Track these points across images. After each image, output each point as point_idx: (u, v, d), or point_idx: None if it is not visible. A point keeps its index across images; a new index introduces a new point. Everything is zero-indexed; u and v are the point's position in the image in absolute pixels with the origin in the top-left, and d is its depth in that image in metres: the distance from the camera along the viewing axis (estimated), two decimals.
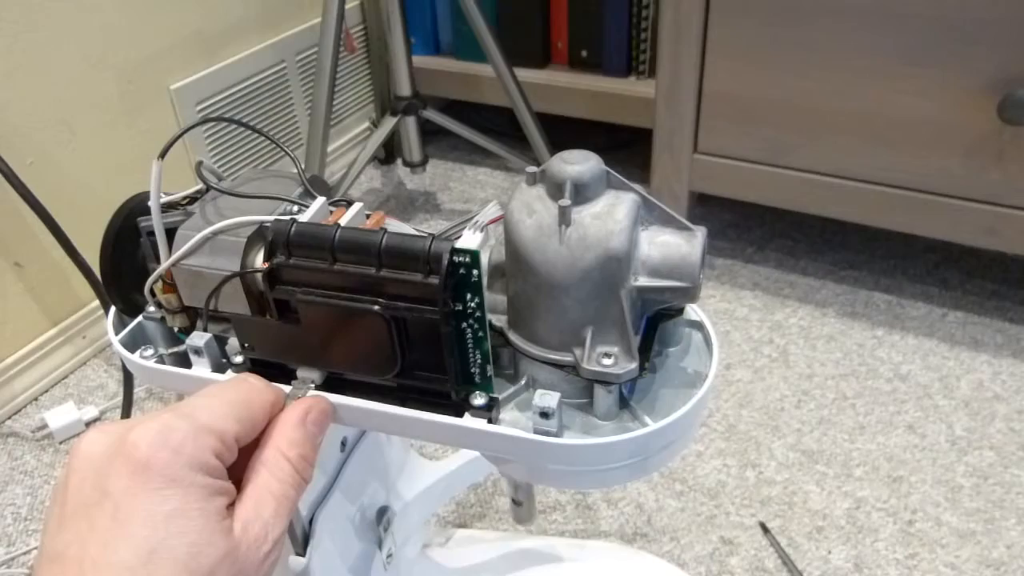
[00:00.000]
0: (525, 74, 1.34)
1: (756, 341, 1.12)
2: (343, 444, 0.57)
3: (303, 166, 1.23)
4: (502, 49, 1.23)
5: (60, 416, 1.02)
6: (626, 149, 1.54)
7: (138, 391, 1.07)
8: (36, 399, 1.09)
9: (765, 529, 0.87)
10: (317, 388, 0.43)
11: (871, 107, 1.01)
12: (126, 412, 0.99)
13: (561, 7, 1.38)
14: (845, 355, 1.09)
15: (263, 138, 1.35)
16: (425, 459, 0.70)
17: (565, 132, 1.40)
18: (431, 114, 1.33)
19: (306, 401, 0.40)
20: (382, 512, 0.63)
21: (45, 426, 1.01)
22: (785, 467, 0.94)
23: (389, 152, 1.59)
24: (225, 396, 0.37)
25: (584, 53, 1.40)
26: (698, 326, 0.46)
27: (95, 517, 0.32)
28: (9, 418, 1.06)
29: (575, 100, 1.39)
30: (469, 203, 1.47)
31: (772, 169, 1.11)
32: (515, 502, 0.58)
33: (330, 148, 1.50)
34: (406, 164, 1.42)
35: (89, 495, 0.32)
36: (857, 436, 0.97)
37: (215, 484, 0.34)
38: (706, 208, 1.39)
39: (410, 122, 1.35)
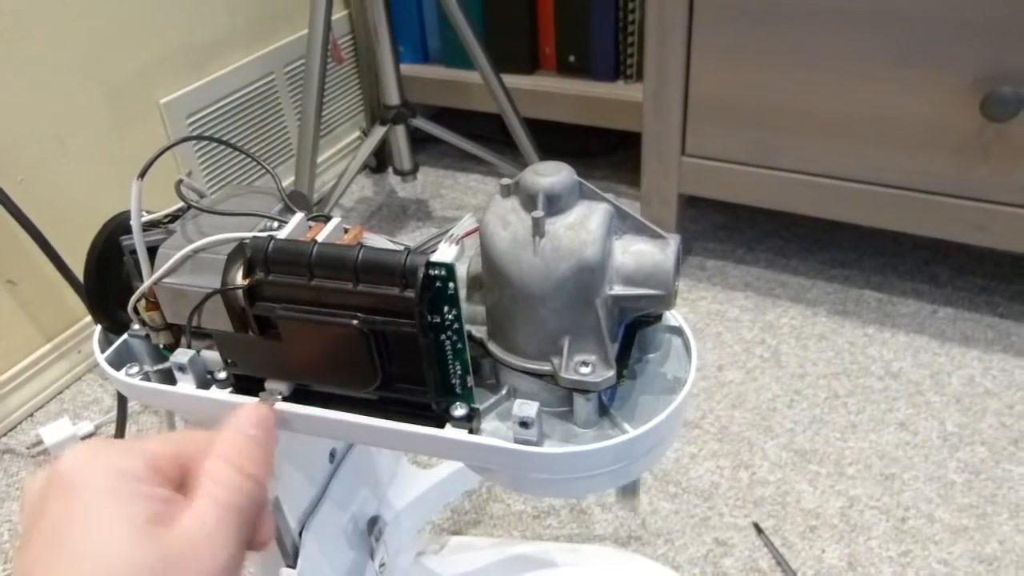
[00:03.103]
0: (513, 80, 1.35)
1: (748, 342, 1.13)
2: (332, 455, 0.57)
3: (293, 177, 1.24)
4: (489, 56, 1.24)
5: (55, 432, 1.02)
6: (615, 153, 1.54)
7: (133, 405, 1.07)
8: (31, 415, 1.09)
9: (759, 529, 0.88)
10: (285, 399, 0.44)
11: (857, 107, 1.02)
12: (120, 427, 0.99)
13: (548, 13, 1.38)
14: (836, 354, 1.10)
15: (251, 150, 1.36)
16: (416, 467, 0.71)
17: (554, 137, 1.41)
18: (420, 122, 1.33)
19: (240, 408, 0.40)
20: (373, 522, 0.63)
21: (40, 442, 1.01)
22: (778, 467, 0.94)
23: (380, 161, 1.59)
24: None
25: (572, 58, 1.40)
26: (677, 331, 0.46)
27: (38, 539, 0.32)
28: (4, 435, 1.06)
29: (563, 105, 1.40)
30: (461, 210, 1.48)
31: (760, 170, 1.12)
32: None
33: (321, 158, 1.50)
34: (397, 172, 1.43)
35: (33, 520, 0.33)
36: (849, 434, 0.98)
37: (145, 491, 0.33)
38: (696, 210, 1.40)
39: (400, 130, 1.35)
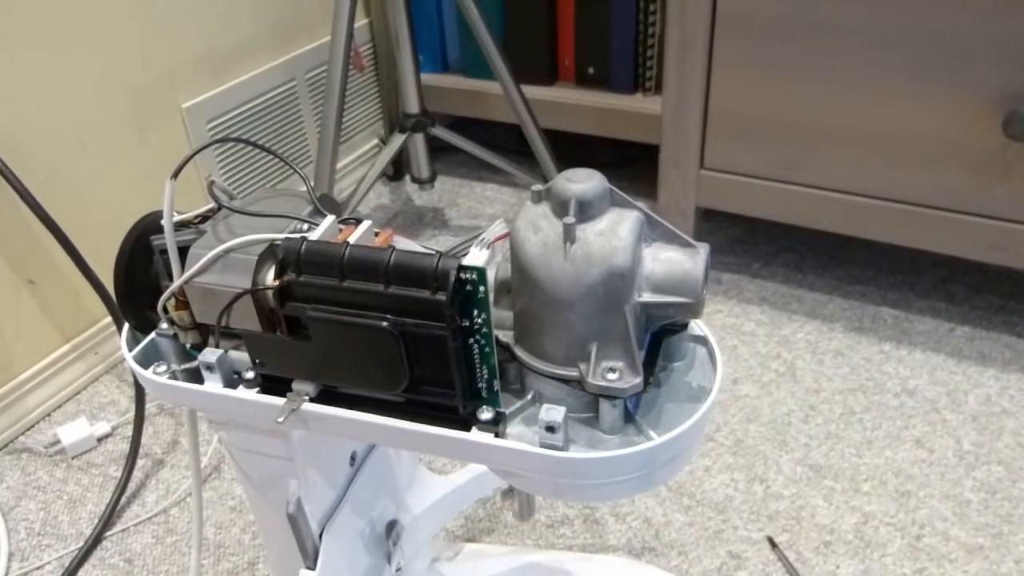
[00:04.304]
0: (532, 91, 1.35)
1: (763, 356, 1.13)
2: (352, 458, 0.58)
3: (312, 183, 1.25)
4: (509, 66, 1.24)
5: (73, 432, 1.03)
6: (633, 165, 1.55)
7: (150, 407, 1.08)
8: (49, 415, 1.10)
9: (773, 544, 0.87)
10: (312, 400, 0.44)
11: (877, 123, 1.02)
12: (137, 428, 1.00)
13: (568, 24, 1.39)
14: (852, 370, 1.09)
15: (273, 156, 1.37)
16: (433, 473, 0.71)
17: (572, 148, 1.41)
18: (439, 131, 1.34)
19: None
20: (391, 526, 0.63)
21: (58, 442, 1.02)
22: (793, 482, 0.94)
23: (398, 169, 1.60)
24: None
25: (591, 70, 1.41)
26: (702, 341, 0.47)
27: None
28: (22, 434, 1.07)
29: (582, 117, 1.40)
30: (477, 219, 1.48)
31: (778, 185, 1.12)
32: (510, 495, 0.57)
33: (339, 165, 1.51)
34: (414, 180, 1.43)
35: None
36: (865, 451, 0.98)
37: None
38: (713, 223, 1.40)
39: (418, 139, 1.36)
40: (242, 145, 1.30)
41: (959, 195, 1.02)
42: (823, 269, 1.29)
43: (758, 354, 1.13)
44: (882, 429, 1.00)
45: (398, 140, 1.33)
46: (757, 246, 1.35)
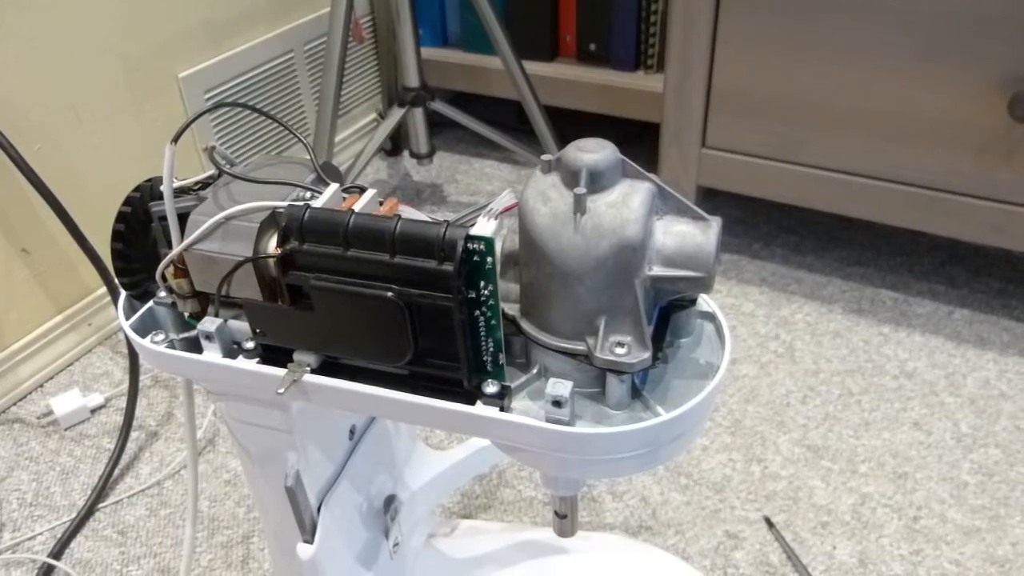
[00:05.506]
0: (533, 67, 1.34)
1: (762, 336, 1.12)
2: (351, 432, 0.57)
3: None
4: (510, 42, 1.23)
5: (65, 403, 1.02)
6: (634, 143, 1.53)
7: (144, 379, 1.07)
8: (41, 386, 1.09)
9: (770, 524, 0.87)
10: (313, 372, 0.43)
11: (881, 104, 1.01)
12: (131, 400, 0.99)
13: (570, 0, 1.37)
14: (851, 351, 1.09)
15: (271, 126, 1.35)
16: (432, 449, 0.70)
17: (572, 125, 1.40)
18: (439, 106, 1.33)
19: None
20: (389, 501, 0.63)
21: (50, 412, 1.02)
22: (790, 462, 0.94)
23: (396, 143, 1.58)
24: None
25: (592, 46, 1.39)
26: (710, 317, 0.46)
27: None
28: (14, 404, 1.06)
29: (583, 93, 1.39)
30: (476, 195, 1.47)
31: (780, 165, 1.11)
32: (558, 515, 0.57)
33: (337, 139, 1.49)
34: (413, 155, 1.42)
35: None
36: (863, 432, 0.97)
37: None
38: (713, 203, 1.39)
39: (418, 113, 1.34)
40: (239, 116, 1.29)
41: (962, 177, 1.01)
42: (823, 250, 1.29)
43: (757, 335, 1.12)
44: (880, 411, 1.00)
45: (397, 114, 1.31)
46: (757, 226, 1.35)
